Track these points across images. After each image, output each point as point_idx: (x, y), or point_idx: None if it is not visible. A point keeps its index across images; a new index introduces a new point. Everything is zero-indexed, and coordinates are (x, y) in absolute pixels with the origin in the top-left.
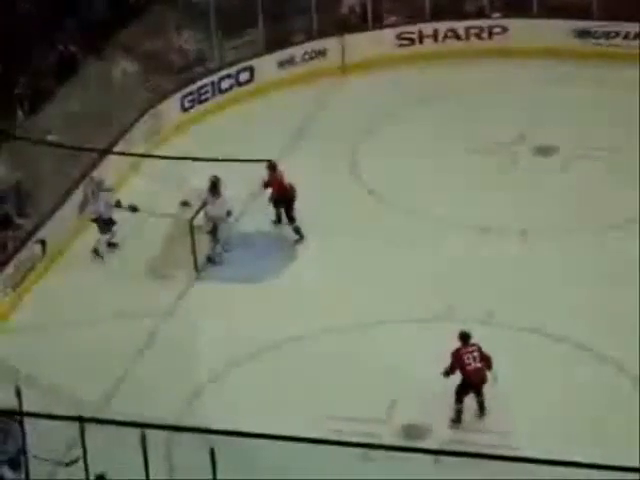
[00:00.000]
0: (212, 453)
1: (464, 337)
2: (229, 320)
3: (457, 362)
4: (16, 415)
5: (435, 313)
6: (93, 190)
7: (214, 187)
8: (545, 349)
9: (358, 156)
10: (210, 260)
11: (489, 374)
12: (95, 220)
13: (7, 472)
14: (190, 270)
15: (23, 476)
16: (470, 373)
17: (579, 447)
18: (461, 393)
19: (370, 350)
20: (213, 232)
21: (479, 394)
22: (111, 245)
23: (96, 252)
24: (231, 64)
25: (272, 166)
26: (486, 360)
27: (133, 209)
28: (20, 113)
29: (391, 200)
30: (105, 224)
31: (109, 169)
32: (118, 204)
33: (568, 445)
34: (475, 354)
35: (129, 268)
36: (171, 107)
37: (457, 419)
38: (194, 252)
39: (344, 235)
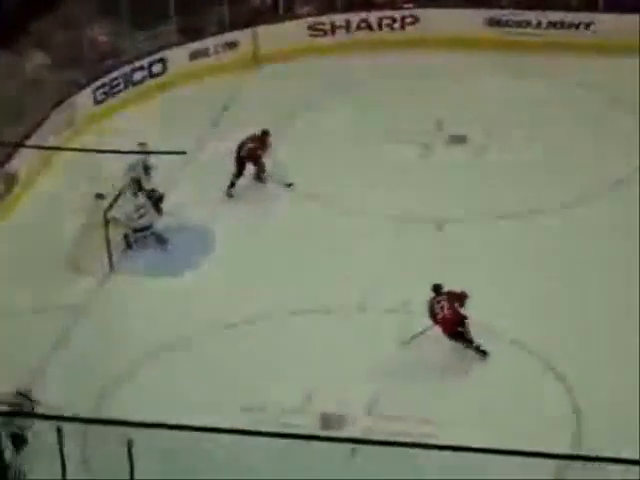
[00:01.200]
0: (129, 445)
1: (435, 289)
2: (144, 312)
3: (430, 313)
4: None
5: (352, 304)
6: None
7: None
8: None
9: (272, 145)
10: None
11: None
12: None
13: None
14: (104, 262)
15: None
16: (439, 323)
17: (496, 436)
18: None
19: (287, 340)
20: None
21: (464, 341)
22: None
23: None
24: (143, 56)
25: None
26: (457, 300)
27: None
28: None
29: (307, 189)
30: None
31: (21, 163)
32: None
33: (486, 433)
34: (443, 303)
35: (44, 260)
36: (84, 99)
37: (481, 354)
38: (108, 244)
39: (258, 224)
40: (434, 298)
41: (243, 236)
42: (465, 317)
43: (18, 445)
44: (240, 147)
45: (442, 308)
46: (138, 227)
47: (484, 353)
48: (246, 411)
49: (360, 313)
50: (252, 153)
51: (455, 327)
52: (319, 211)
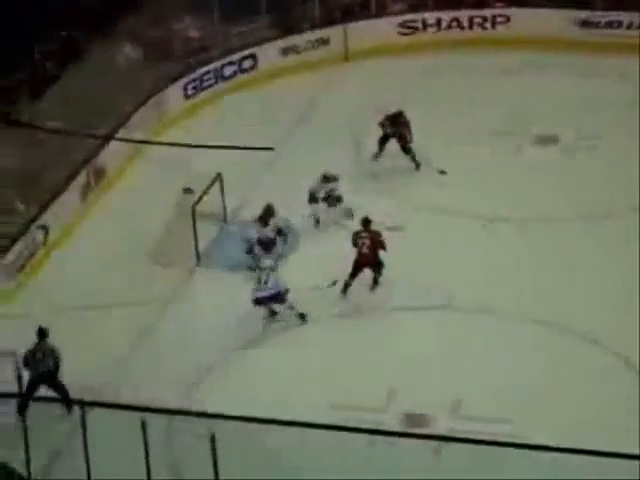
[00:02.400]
0: (212, 439)
1: (364, 222)
2: (231, 307)
3: (353, 243)
4: (16, 398)
5: (435, 302)
6: None
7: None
8: (549, 340)
9: (361, 142)
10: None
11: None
12: None
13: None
14: (192, 256)
15: None
16: (358, 255)
17: (582, 436)
18: (354, 270)
19: (371, 338)
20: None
21: (374, 272)
22: None
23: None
24: (234, 51)
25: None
26: (378, 247)
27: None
28: (24, 98)
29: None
30: None
31: (111, 155)
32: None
33: (571, 433)
34: (366, 241)
35: (131, 254)
36: (174, 94)
37: (344, 291)
38: (196, 239)
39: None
40: (358, 232)
41: (331, 232)
42: (381, 264)
43: None
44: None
45: (364, 244)
46: None
47: None
48: (332, 409)
49: (446, 312)
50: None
51: (366, 265)
52: (408, 209)
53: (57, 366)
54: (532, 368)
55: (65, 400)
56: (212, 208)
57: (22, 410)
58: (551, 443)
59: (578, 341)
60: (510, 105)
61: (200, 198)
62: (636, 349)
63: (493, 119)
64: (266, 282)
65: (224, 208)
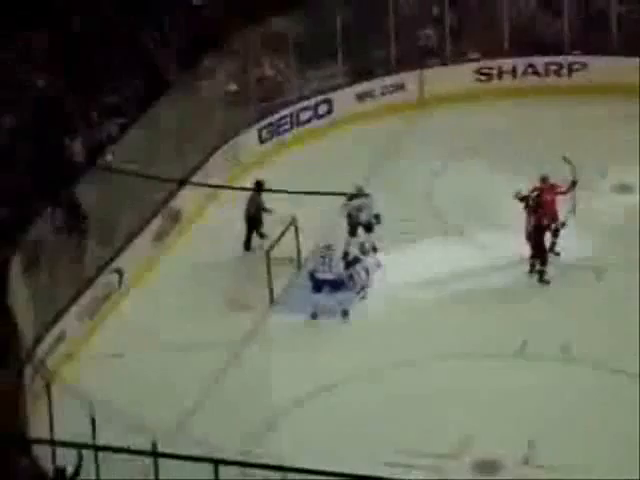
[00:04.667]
0: None
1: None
2: (303, 353)
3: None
4: (91, 449)
5: (508, 350)
6: None
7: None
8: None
9: (434, 189)
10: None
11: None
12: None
13: None
14: (266, 302)
15: None
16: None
17: None
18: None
19: (440, 384)
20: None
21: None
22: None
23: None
24: (310, 96)
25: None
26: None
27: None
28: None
29: (468, 233)
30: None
31: (186, 200)
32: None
33: None
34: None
35: (206, 297)
36: (249, 138)
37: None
38: (270, 283)
39: (419, 267)
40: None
41: (398, 277)
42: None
43: None
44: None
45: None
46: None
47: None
48: (401, 454)
49: (519, 359)
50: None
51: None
52: (473, 254)
53: None
54: (614, 420)
55: None
56: (287, 253)
57: None
58: None
59: None
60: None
61: (275, 242)
62: None
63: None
64: (330, 264)
65: (298, 253)
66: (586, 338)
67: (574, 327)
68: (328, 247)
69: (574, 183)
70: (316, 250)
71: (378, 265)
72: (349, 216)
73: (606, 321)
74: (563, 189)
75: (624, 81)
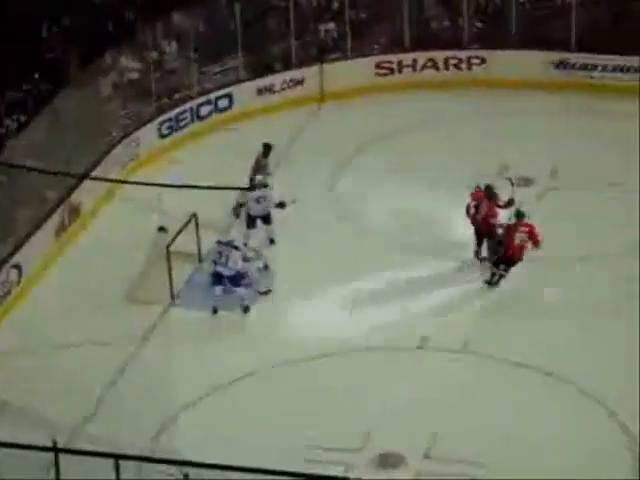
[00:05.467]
0: (186, 477)
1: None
2: (205, 347)
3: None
4: None
5: (409, 343)
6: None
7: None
8: (527, 384)
9: (335, 182)
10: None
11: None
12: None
13: None
14: (166, 296)
15: None
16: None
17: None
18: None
19: (341, 379)
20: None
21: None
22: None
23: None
24: (210, 91)
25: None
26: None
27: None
28: None
29: (365, 228)
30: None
31: (85, 195)
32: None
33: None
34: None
35: (107, 293)
36: (148, 133)
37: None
38: (170, 278)
39: (318, 260)
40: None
41: (301, 272)
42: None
43: None
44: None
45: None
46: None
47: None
48: (306, 449)
49: (420, 352)
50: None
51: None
52: (377, 247)
53: None
54: (511, 413)
55: None
56: (187, 248)
57: None
58: None
59: (559, 387)
60: (489, 147)
61: (175, 238)
62: (625, 404)
63: (471, 161)
64: (230, 260)
65: (199, 247)
66: (485, 332)
67: (474, 322)
68: (228, 242)
69: (510, 201)
70: (217, 245)
71: (265, 266)
72: (247, 208)
73: (506, 316)
74: (500, 203)
75: (523, 75)
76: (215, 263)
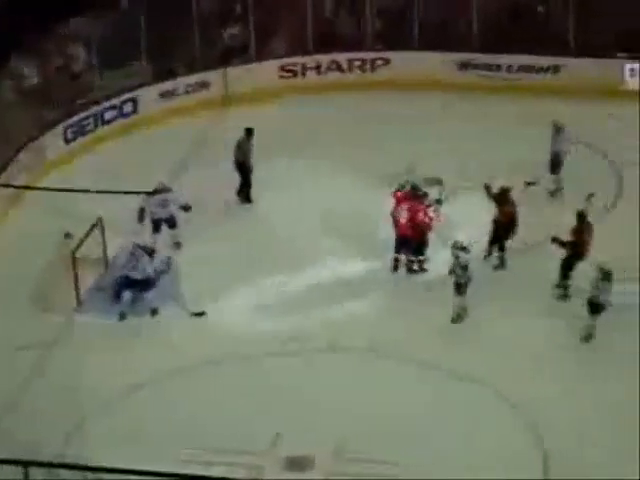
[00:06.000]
0: None
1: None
2: (111, 353)
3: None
4: None
5: (322, 345)
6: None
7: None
8: (434, 382)
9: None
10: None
11: None
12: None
13: None
14: (72, 303)
15: None
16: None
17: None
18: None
19: (254, 381)
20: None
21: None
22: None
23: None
24: (114, 95)
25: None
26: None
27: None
28: None
29: (273, 230)
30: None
31: None
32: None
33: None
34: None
35: (12, 300)
36: (54, 138)
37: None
38: (76, 283)
39: (231, 265)
40: None
41: (208, 275)
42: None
43: None
44: None
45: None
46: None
47: None
48: (214, 454)
49: (330, 354)
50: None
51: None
52: (288, 249)
53: None
54: (421, 411)
55: None
56: (93, 253)
57: None
58: None
59: (465, 387)
60: (394, 148)
61: (80, 243)
62: (528, 398)
63: (378, 162)
64: (139, 264)
65: (105, 253)
66: (394, 334)
67: (383, 323)
68: (145, 247)
69: (439, 201)
70: (125, 249)
71: (168, 265)
72: (151, 212)
73: (415, 318)
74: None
75: (427, 76)
76: (124, 270)
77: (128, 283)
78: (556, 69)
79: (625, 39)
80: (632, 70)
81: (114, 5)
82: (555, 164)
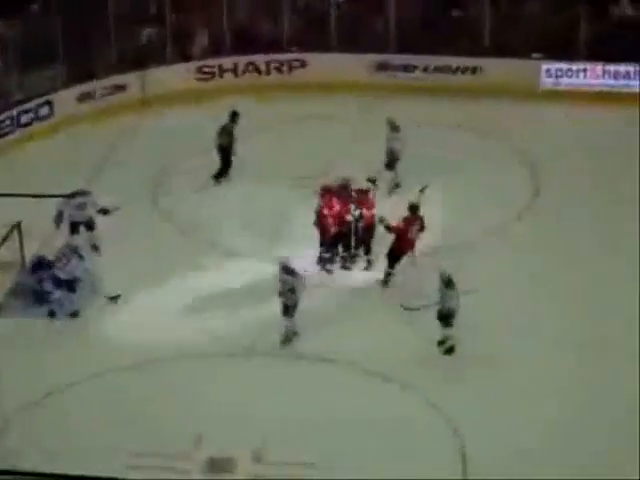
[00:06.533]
0: None
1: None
2: (30, 355)
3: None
4: None
5: (238, 348)
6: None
7: None
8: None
9: (158, 187)
10: None
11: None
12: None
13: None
14: None
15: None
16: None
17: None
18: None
19: (174, 384)
20: None
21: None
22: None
23: None
24: (30, 99)
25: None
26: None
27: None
28: None
29: (191, 232)
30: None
31: None
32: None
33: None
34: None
35: None
36: None
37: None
38: None
39: (145, 265)
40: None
41: (126, 278)
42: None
43: None
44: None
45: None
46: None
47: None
48: (135, 456)
49: (248, 356)
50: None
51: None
52: (201, 254)
53: None
54: (340, 414)
55: None
56: (11, 257)
57: None
58: None
59: (389, 388)
60: (312, 151)
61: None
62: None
63: (296, 164)
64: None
65: (22, 257)
66: (315, 334)
67: (306, 324)
68: (75, 248)
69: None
70: (63, 247)
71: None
72: (69, 215)
73: (337, 317)
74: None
75: (343, 78)
76: (52, 266)
77: (58, 282)
78: (474, 70)
79: (542, 40)
80: (548, 71)
81: (28, 6)
82: (390, 161)
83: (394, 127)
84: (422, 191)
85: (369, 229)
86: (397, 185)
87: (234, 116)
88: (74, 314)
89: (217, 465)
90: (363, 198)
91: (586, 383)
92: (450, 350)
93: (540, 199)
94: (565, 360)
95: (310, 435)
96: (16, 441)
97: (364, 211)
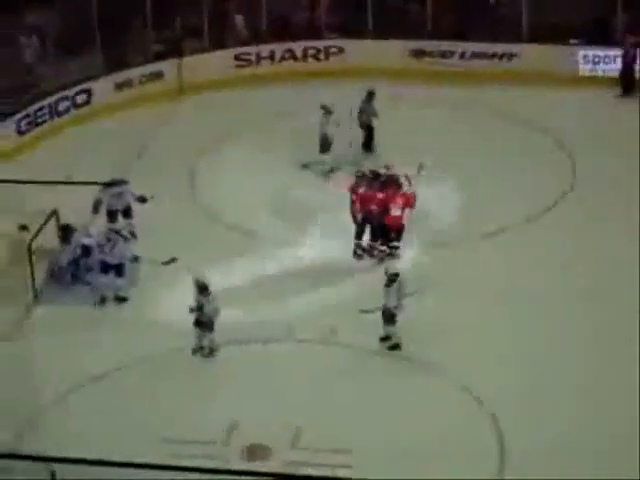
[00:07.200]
0: (53, 476)
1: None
2: (69, 344)
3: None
4: None
5: (275, 333)
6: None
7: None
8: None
9: (196, 175)
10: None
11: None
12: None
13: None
14: (28, 294)
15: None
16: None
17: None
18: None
19: (213, 371)
20: None
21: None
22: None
23: None
24: (68, 86)
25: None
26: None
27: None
28: None
29: (227, 218)
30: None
31: None
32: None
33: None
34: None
35: None
36: (7, 130)
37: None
38: (32, 275)
39: (182, 252)
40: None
41: (166, 267)
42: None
43: None
44: None
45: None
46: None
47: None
48: (172, 443)
49: (285, 343)
50: None
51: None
52: (237, 240)
53: None
54: (376, 402)
55: None
56: (48, 244)
57: None
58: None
59: (424, 376)
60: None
61: (36, 235)
62: (479, 381)
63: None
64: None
65: (61, 244)
66: (351, 322)
67: (339, 312)
68: (118, 231)
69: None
70: (107, 231)
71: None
72: (107, 204)
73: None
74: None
75: (380, 64)
76: (100, 251)
77: (105, 267)
78: (510, 57)
79: (579, 26)
80: (585, 57)
81: None
82: (324, 145)
83: (327, 111)
84: (419, 171)
85: (384, 224)
86: (333, 169)
87: (370, 95)
88: (123, 299)
89: (253, 453)
90: (392, 191)
91: (590, 385)
92: (395, 347)
93: (575, 188)
94: (572, 360)
95: (346, 422)
96: (49, 431)
97: (389, 205)
